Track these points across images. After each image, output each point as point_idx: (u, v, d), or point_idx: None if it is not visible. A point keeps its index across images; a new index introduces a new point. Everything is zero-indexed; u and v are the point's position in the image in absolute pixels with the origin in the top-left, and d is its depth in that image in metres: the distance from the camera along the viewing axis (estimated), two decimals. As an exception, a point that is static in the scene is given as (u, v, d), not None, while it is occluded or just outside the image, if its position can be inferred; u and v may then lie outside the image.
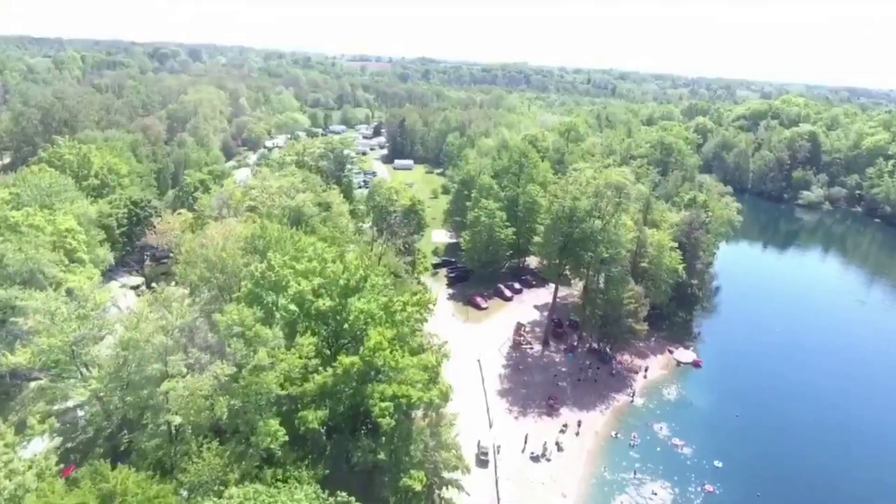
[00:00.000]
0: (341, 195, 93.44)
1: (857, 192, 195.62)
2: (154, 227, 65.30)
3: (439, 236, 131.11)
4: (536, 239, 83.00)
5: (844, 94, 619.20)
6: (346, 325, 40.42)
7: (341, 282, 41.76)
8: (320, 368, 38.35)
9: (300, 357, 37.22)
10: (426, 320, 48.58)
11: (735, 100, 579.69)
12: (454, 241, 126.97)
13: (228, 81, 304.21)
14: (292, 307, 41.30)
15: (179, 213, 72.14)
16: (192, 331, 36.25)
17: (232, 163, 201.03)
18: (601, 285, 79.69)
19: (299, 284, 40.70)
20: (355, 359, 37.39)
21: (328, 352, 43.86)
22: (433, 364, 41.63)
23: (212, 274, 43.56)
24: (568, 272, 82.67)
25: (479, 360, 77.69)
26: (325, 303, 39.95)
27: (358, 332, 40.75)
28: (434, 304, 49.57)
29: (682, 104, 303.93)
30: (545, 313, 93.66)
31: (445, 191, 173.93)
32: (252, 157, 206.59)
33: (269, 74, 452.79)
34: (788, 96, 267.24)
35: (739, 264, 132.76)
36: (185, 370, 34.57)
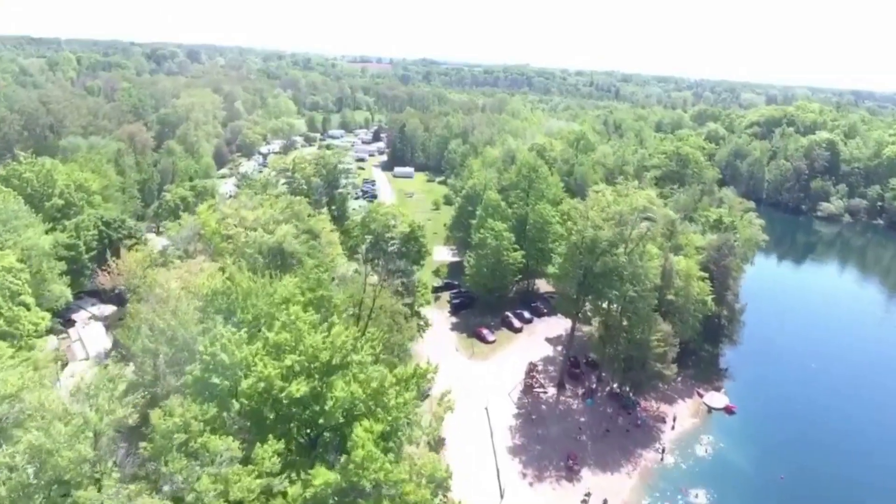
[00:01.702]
0: (332, 218, 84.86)
1: (879, 203, 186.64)
2: (107, 266, 56.50)
3: (441, 254, 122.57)
4: (552, 269, 74.21)
5: (850, 97, 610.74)
6: (321, 420, 31.65)
7: (322, 357, 33.12)
8: (293, 475, 29.74)
9: (259, 476, 28.49)
10: (427, 392, 39.92)
11: (740, 103, 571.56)
12: (457, 259, 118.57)
13: (225, 84, 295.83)
14: (261, 386, 32.54)
15: (137, 250, 62.66)
16: (120, 437, 27.75)
17: (224, 170, 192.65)
18: (624, 323, 70.80)
19: (265, 367, 32.03)
20: (334, 476, 28.73)
21: (305, 438, 35.22)
22: (443, 473, 32.85)
23: (157, 345, 34.98)
24: (588, 310, 73.59)
25: (486, 409, 68.90)
26: (298, 388, 31.32)
27: (340, 420, 32.01)
28: (436, 373, 40.97)
29: (692, 110, 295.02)
30: (559, 348, 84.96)
31: (448, 201, 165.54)
32: (245, 166, 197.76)
33: (268, 76, 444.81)
34: (803, 102, 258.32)
35: (760, 284, 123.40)
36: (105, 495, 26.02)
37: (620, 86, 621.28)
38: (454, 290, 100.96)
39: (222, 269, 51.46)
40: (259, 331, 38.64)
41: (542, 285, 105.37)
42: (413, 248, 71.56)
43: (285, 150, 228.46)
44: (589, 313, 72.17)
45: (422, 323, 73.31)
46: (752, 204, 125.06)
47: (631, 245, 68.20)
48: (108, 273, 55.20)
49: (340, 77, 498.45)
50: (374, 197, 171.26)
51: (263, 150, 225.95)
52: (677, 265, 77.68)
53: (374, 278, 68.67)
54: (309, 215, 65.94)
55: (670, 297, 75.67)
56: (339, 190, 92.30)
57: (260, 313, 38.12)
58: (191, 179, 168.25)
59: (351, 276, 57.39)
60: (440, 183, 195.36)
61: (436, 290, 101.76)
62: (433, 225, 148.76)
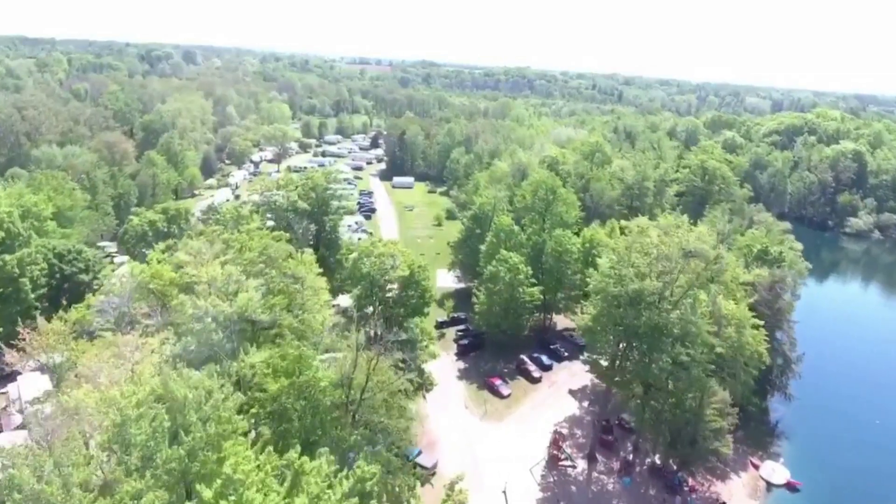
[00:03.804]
0: (324, 246, 73.04)
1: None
2: (23, 337, 44.57)
3: (444, 280, 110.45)
4: (582, 321, 61.74)
5: (854, 101, 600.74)
6: None
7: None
8: None
9: None
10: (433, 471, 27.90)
11: (745, 107, 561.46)
12: (462, 286, 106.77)
13: (218, 87, 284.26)
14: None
15: (98, 285, 50.32)
16: None
17: (211, 181, 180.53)
18: (670, 385, 58.79)
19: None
20: None
21: None
22: None
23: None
24: (628, 371, 60.94)
25: (504, 492, 56.91)
26: None
27: None
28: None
29: (703, 116, 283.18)
30: (585, 403, 73.02)
31: (450, 216, 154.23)
32: (235, 175, 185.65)
33: (265, 78, 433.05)
34: (823, 109, 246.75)
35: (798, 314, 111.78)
36: None
37: (623, 89, 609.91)
38: (461, 328, 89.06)
39: (174, 337, 39.59)
40: (199, 468, 26.74)
41: (561, 321, 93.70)
42: (414, 294, 59.69)
43: (278, 157, 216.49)
44: (628, 375, 59.67)
45: (425, 381, 61.35)
46: (787, 225, 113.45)
47: (678, 292, 56.32)
48: (20, 349, 43.36)
49: (339, 79, 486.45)
50: (372, 211, 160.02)
51: (255, 157, 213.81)
52: (724, 308, 65.88)
53: (367, 333, 57.07)
54: (290, 257, 53.89)
55: (719, 349, 63.74)
56: (331, 216, 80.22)
57: (196, 447, 26.18)
58: (175, 192, 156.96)
59: (339, 342, 45.44)
60: (442, 194, 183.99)
61: (440, 324, 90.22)
62: (435, 243, 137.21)
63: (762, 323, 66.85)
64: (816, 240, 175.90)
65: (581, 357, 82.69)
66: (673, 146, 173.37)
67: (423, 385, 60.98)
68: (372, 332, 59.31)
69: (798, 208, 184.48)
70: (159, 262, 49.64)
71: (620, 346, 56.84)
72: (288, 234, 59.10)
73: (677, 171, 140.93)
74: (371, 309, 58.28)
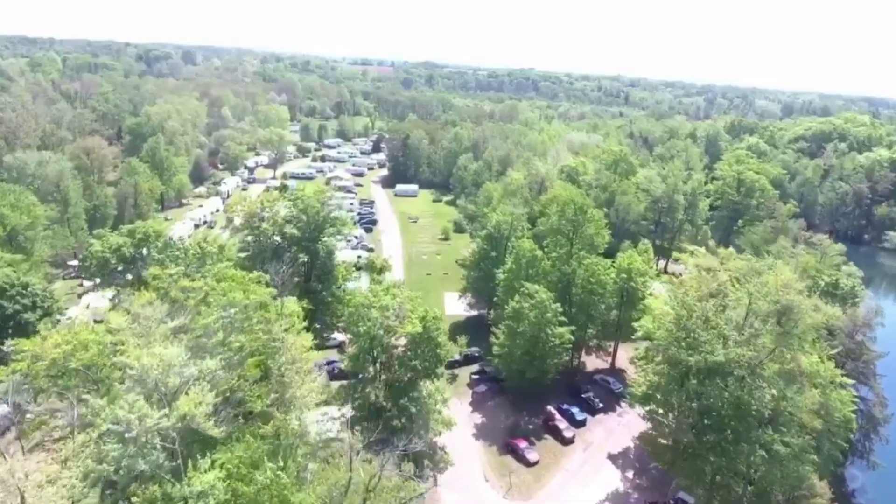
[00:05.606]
0: (310, 289, 60.79)
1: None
2: None
3: (455, 306, 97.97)
4: (639, 387, 49.02)
5: (863, 104, 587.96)
6: None
7: None
8: None
9: None
10: None
11: (754, 110, 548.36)
12: (475, 313, 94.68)
13: (214, 87, 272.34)
14: None
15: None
16: None
17: (201, 188, 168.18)
18: (750, 470, 46.33)
19: None
20: None
21: None
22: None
23: None
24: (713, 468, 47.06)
25: None
26: None
27: None
28: None
29: (723, 119, 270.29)
30: (630, 474, 60.46)
31: (458, 228, 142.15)
32: (228, 182, 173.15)
33: (265, 79, 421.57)
34: (851, 114, 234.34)
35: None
36: None
37: (629, 91, 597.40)
38: (476, 372, 76.79)
39: (94, 446, 27.29)
40: None
41: (591, 361, 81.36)
42: (426, 350, 47.56)
43: (275, 163, 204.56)
44: (704, 465, 46.54)
45: (438, 462, 49.02)
46: (842, 247, 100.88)
47: (760, 355, 43.83)
48: None
49: (340, 80, 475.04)
50: (374, 223, 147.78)
51: (250, 162, 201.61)
52: (805, 363, 53.46)
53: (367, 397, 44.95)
54: (261, 307, 41.52)
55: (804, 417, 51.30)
56: (325, 240, 67.98)
57: None
58: (160, 202, 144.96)
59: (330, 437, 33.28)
60: (448, 203, 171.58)
61: (450, 364, 77.87)
62: (442, 260, 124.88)
63: (852, 382, 54.64)
64: (852, 255, 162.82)
65: (619, 408, 71.44)
66: (699, 153, 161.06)
67: (434, 465, 48.61)
68: (372, 397, 47.26)
69: (829, 221, 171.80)
70: (98, 321, 37.63)
71: (691, 424, 44.34)
72: (268, 276, 46.78)
73: (706, 182, 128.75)
74: (371, 371, 46.23)
